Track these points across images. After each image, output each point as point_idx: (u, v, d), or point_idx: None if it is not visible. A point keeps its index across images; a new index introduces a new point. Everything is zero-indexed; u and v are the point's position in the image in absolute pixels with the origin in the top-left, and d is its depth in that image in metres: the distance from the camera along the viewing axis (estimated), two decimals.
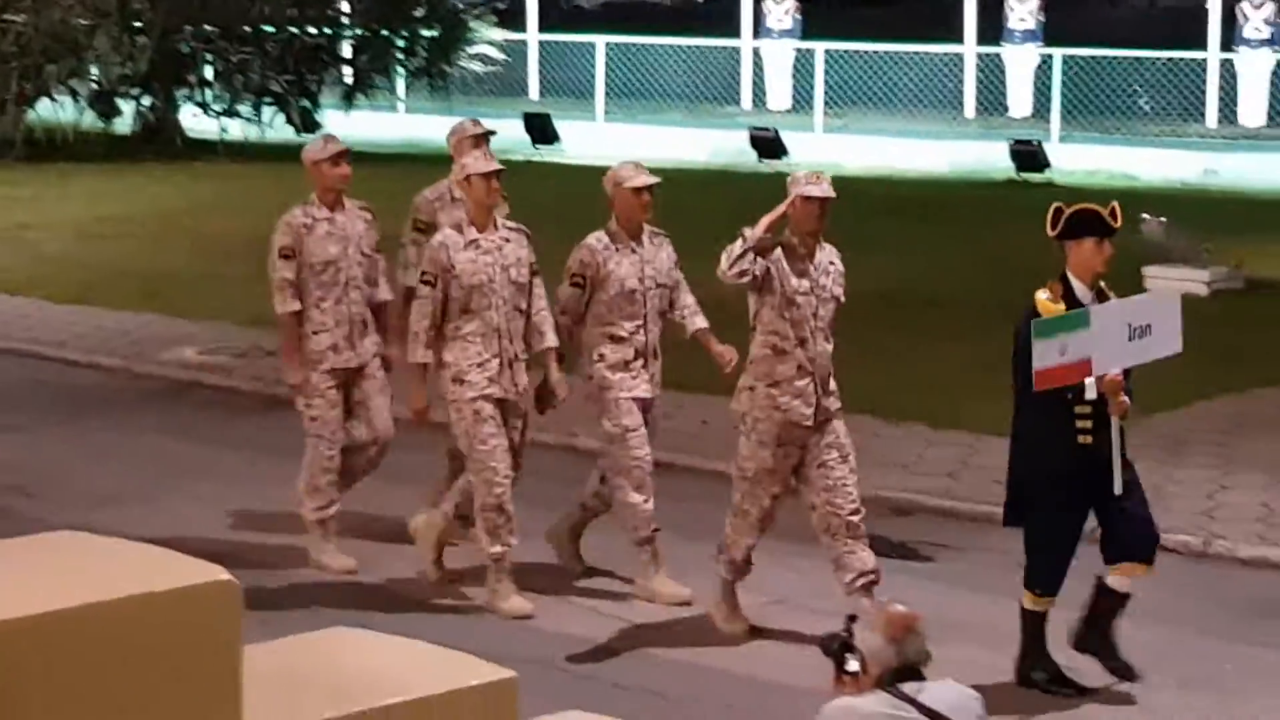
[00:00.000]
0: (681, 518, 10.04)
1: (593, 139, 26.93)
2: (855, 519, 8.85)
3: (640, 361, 9.41)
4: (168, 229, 20.47)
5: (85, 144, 25.79)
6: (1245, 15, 26.58)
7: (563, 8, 52.28)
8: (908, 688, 5.19)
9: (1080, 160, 24.43)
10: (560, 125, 27.29)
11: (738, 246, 8.60)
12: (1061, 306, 8.09)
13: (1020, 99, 27.26)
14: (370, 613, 9.04)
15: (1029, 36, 27.15)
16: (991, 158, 24.61)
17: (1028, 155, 24.25)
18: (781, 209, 8.75)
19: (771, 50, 28.49)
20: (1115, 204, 8.32)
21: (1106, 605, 8.27)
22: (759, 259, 8.61)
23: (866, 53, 26.88)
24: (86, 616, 3.92)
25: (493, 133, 10.53)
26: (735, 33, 29.11)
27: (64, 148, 25.64)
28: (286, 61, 26.79)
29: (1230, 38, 26.47)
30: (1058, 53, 25.78)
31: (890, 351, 14.45)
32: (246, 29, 26.58)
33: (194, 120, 27.09)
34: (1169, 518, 10.76)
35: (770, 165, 25.11)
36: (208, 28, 26.40)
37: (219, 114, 26.90)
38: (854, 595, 8.63)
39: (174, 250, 19.24)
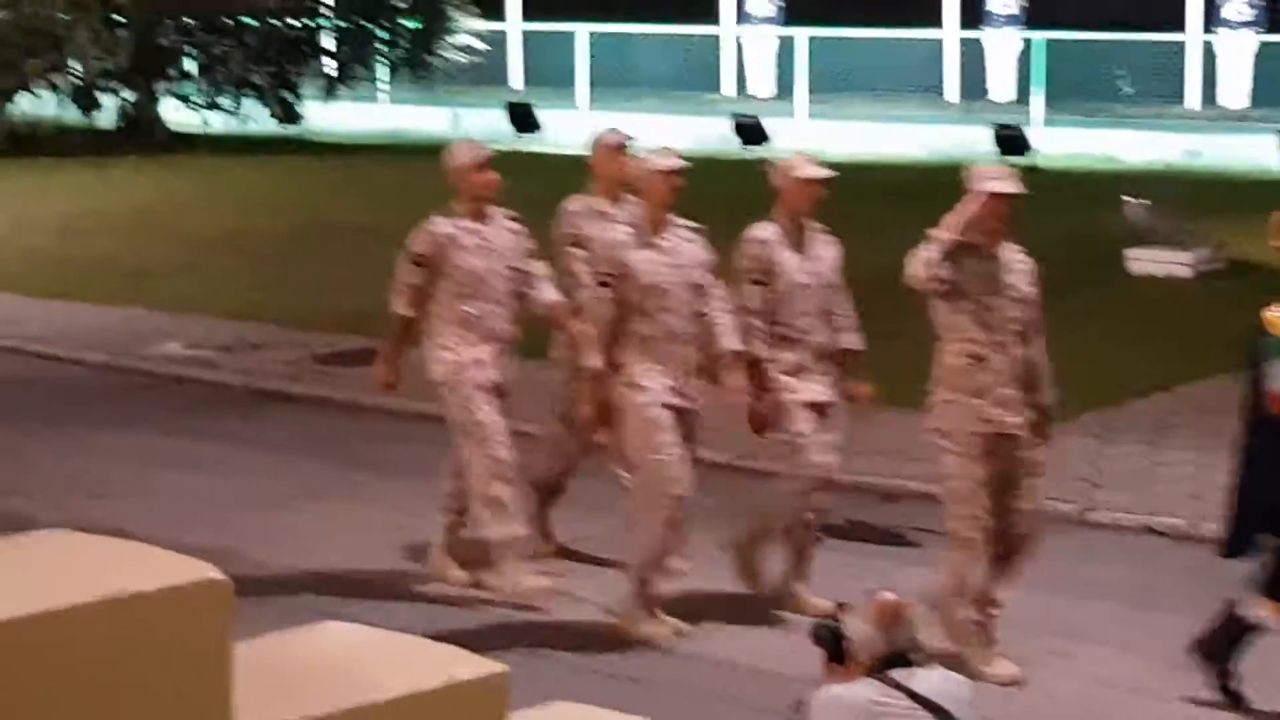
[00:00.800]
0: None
1: (575, 127, 26.89)
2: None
3: (814, 363, 9.02)
4: (150, 223, 20.44)
5: (66, 138, 25.74)
6: None
7: None
8: (897, 674, 5.21)
9: (1063, 144, 24.47)
10: (542, 114, 27.27)
11: (932, 251, 8.10)
12: None
13: (1002, 83, 27.29)
14: (361, 604, 9.04)
15: (1010, 21, 27.18)
16: (974, 142, 24.61)
17: (1010, 139, 24.26)
18: (972, 207, 8.19)
19: (753, 37, 28.48)
20: None
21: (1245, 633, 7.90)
22: (949, 263, 8.12)
23: (848, 38, 26.87)
24: (75, 617, 3.91)
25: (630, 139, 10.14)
26: (717, 19, 29.10)
27: (45, 142, 25.58)
28: (268, 53, 26.78)
29: (1211, 19, 26.51)
30: (1039, 36, 25.80)
31: (877, 335, 14.43)
32: (227, 21, 26.56)
33: (175, 113, 27.06)
34: (1154, 500, 10.80)
35: (752, 152, 25.10)
36: (188, 20, 26.36)
37: (200, 107, 26.86)
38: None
39: (157, 244, 19.21)
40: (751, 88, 28.40)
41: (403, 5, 27.63)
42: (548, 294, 9.34)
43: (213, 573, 4.19)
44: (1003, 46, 27.20)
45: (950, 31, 27.44)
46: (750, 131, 25.55)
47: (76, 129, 26.40)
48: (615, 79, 28.12)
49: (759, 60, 28.46)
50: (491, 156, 9.42)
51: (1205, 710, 7.95)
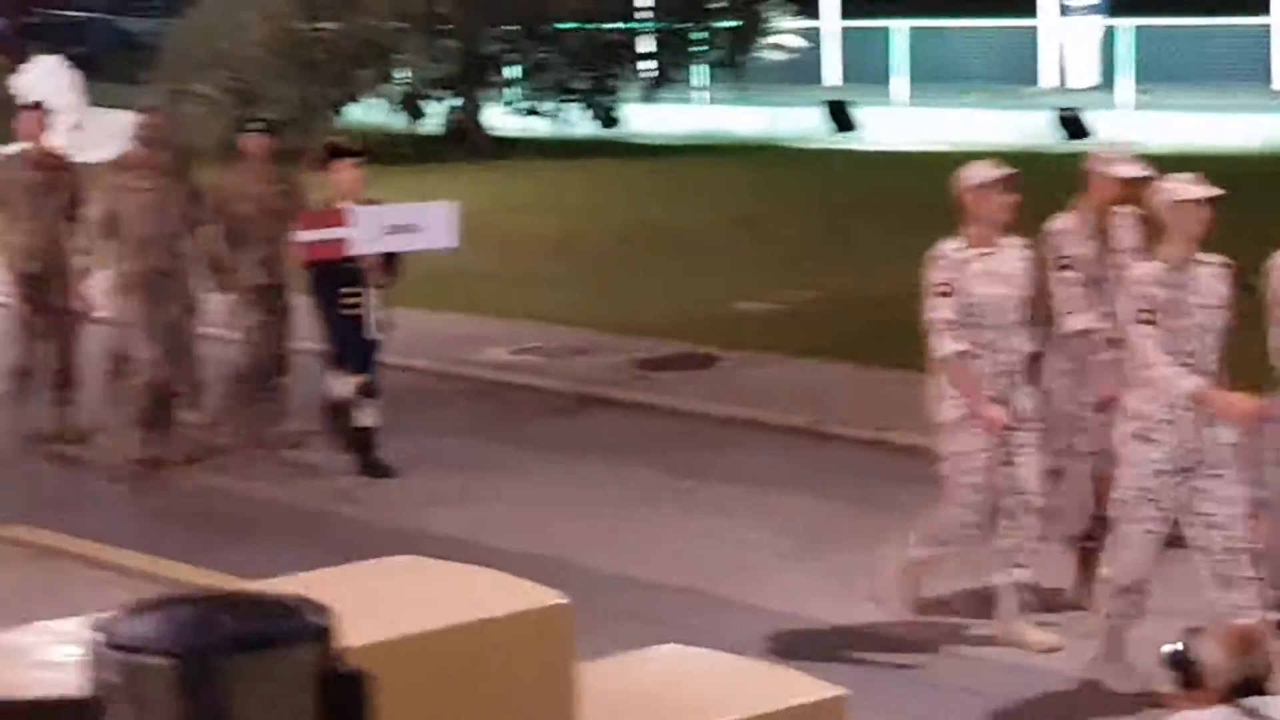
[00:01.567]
0: None
1: (893, 124, 26.80)
2: None
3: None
4: (476, 228, 20.68)
5: (394, 146, 26.36)
6: None
7: None
8: (1252, 702, 5.09)
9: None
10: (860, 111, 27.18)
11: None
12: None
13: None
14: (692, 616, 9.12)
15: None
16: None
17: None
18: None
19: (1075, 28, 28.02)
20: None
21: None
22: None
23: (1172, 27, 26.29)
24: (426, 642, 4.05)
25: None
26: (1035, 11, 28.69)
27: (374, 151, 26.21)
28: (588, 58, 27.10)
29: None
30: None
31: None
32: (548, 28, 26.94)
33: (499, 119, 27.56)
34: None
35: (1075, 146, 24.72)
36: (511, 28, 26.80)
37: (523, 113, 27.31)
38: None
39: (482, 250, 19.52)
40: (1072, 80, 27.95)
41: (719, 6, 27.75)
42: (1071, 323, 8.93)
43: (557, 598, 4.31)
44: None
45: (1278, 17, 26.68)
46: (1072, 125, 25.15)
47: (403, 136, 27.04)
48: (933, 74, 27.89)
49: (1080, 51, 27.99)
50: (1010, 176, 8.89)
51: None
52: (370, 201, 11.55)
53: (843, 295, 16.17)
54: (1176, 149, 23.69)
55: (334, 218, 11.25)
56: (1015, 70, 27.81)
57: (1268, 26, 26.65)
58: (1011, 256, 8.82)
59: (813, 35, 29.35)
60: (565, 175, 24.22)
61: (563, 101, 27.38)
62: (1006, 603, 8.68)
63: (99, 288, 12.27)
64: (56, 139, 28.20)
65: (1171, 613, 7.48)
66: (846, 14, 30.48)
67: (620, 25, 27.71)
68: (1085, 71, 27.93)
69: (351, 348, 11.60)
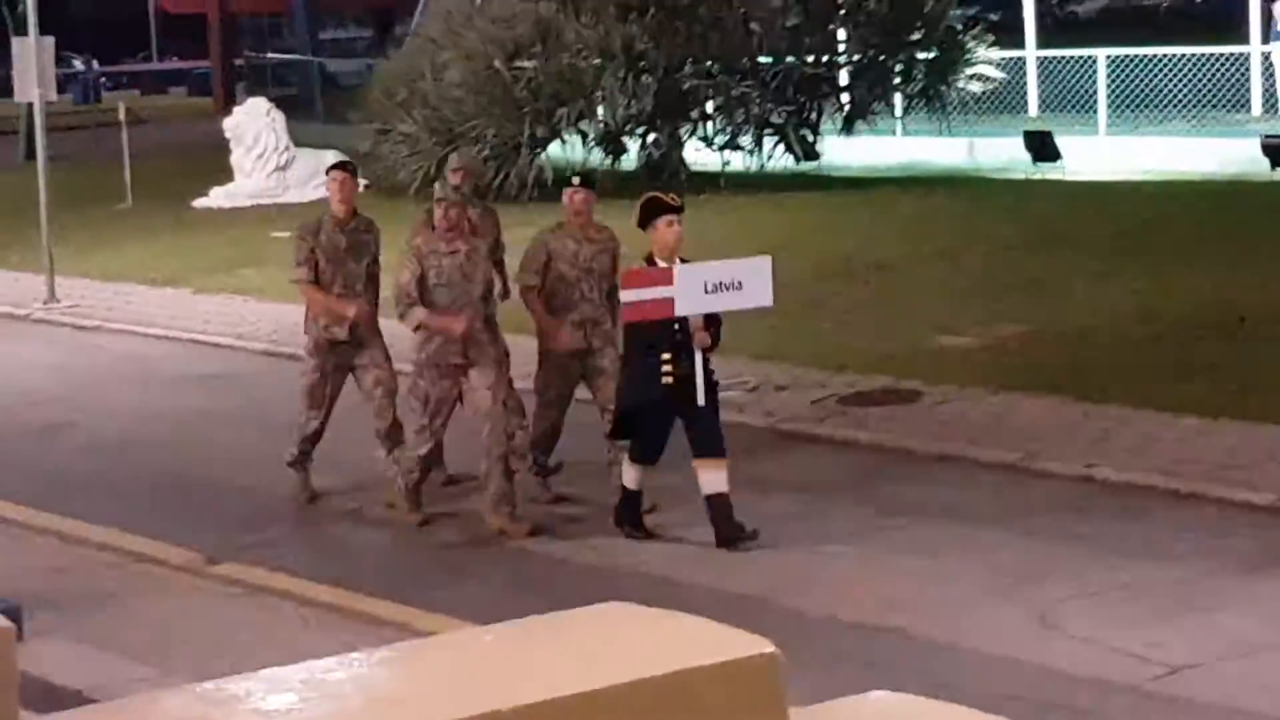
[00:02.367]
0: None
1: (1095, 154, 26.49)
2: None
3: None
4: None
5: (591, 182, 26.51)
6: None
7: (1057, 15, 51.66)
8: None
9: None
10: (1061, 141, 26.90)
11: None
12: None
13: None
14: (905, 659, 9.08)
15: None
16: None
17: None
18: None
19: None
20: None
21: None
22: None
23: None
24: (635, 692, 4.07)
25: None
26: (1241, 37, 28.22)
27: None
28: (786, 92, 27.09)
29: None
30: None
31: None
32: (746, 62, 26.98)
33: (696, 154, 27.63)
34: None
35: None
36: (709, 64, 26.87)
37: (721, 147, 27.36)
38: None
39: None
40: None
41: (918, 38, 27.62)
42: None
43: (767, 646, 4.32)
44: None
45: None
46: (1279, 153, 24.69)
47: (603, 173, 27.19)
48: (1135, 102, 27.54)
49: None
50: None
51: None
52: (684, 261, 10.97)
53: (1044, 328, 16.02)
54: None
55: (658, 276, 10.69)
56: (1221, 97, 27.35)
57: None
58: None
59: (1012, 65, 29.08)
60: (764, 210, 24.23)
61: (761, 136, 27.37)
62: None
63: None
64: (264, 179, 28.89)
65: None
66: (1047, 43, 30.19)
67: (820, 59, 27.63)
68: None
69: (652, 420, 10.98)
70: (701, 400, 10.83)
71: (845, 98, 27.97)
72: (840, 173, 27.19)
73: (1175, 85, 27.35)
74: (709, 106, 27.52)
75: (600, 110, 26.81)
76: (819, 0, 27.22)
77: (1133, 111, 27.43)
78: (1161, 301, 16.61)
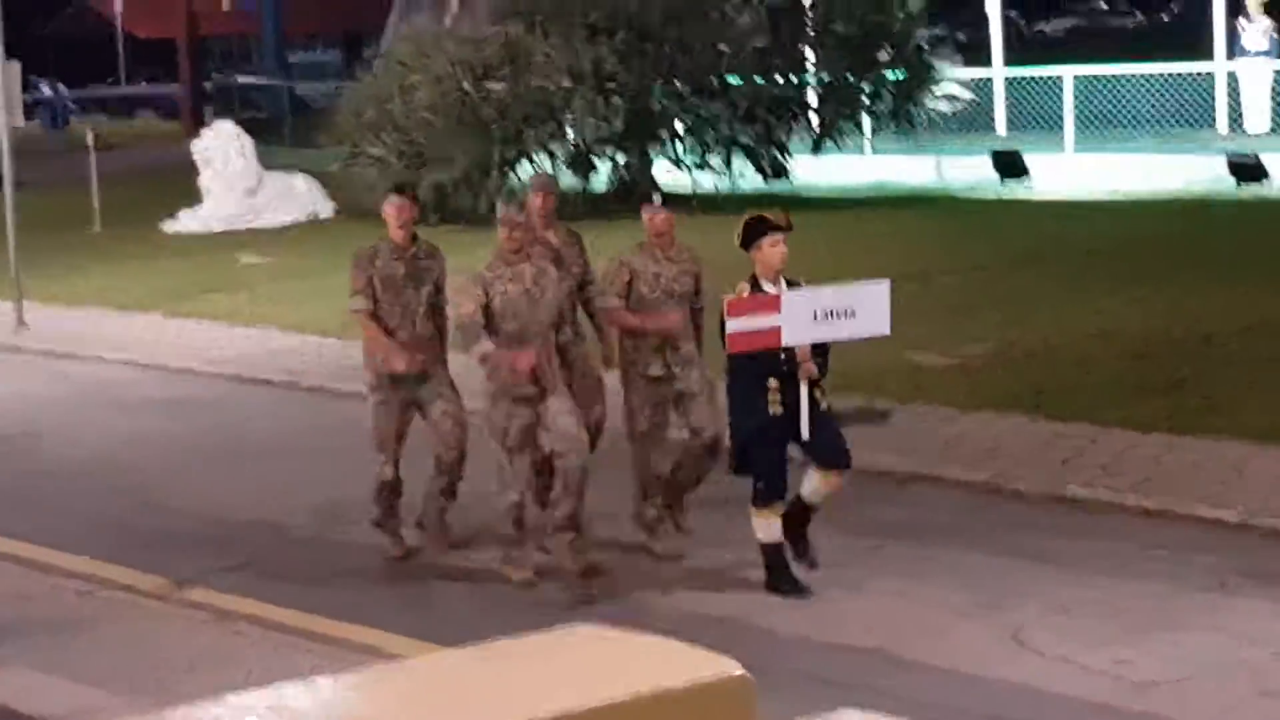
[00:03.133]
0: None
1: (1062, 172, 26.57)
2: None
3: None
4: None
5: (565, 204, 26.47)
6: None
7: (1024, 34, 51.79)
8: None
9: None
10: (1029, 158, 26.99)
11: None
12: None
13: None
14: (877, 685, 9.07)
15: None
16: None
17: None
18: None
19: (1247, 71, 27.64)
20: None
21: None
22: None
23: None
24: (606, 714, 4.06)
25: None
26: (1207, 54, 28.34)
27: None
28: (755, 112, 27.14)
29: None
30: None
31: None
32: (715, 83, 27.02)
33: (666, 175, 27.65)
34: None
35: (1251, 191, 24.39)
36: (678, 84, 26.92)
37: (691, 168, 27.40)
38: None
39: None
40: (1247, 124, 27.55)
41: (886, 58, 27.69)
42: None
43: (736, 669, 4.31)
44: None
45: None
46: (1247, 169, 24.80)
47: (573, 195, 27.19)
48: (1102, 120, 27.63)
49: (1254, 95, 27.59)
50: None
51: None
52: (791, 283, 10.38)
53: (1014, 346, 16.05)
54: None
55: (765, 303, 10.08)
56: (1187, 115, 27.46)
57: None
58: None
59: (980, 84, 29.17)
60: (733, 229, 24.23)
61: (731, 156, 27.42)
62: None
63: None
64: (233, 203, 28.78)
65: None
66: (1014, 61, 30.30)
67: (789, 79, 27.70)
68: (1259, 116, 27.52)
69: (768, 455, 10.33)
70: (806, 435, 10.25)
71: (814, 118, 28.03)
72: (810, 192, 27.23)
73: (1142, 103, 27.45)
74: (679, 127, 27.56)
75: (570, 131, 26.84)
76: (787, 22, 27.27)
77: (1100, 130, 27.53)
78: (1130, 319, 16.66)
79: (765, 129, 27.43)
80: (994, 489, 12.28)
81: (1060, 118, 27.63)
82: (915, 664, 9.37)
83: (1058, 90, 27.85)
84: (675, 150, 27.65)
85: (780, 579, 10.37)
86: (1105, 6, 67.14)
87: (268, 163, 29.86)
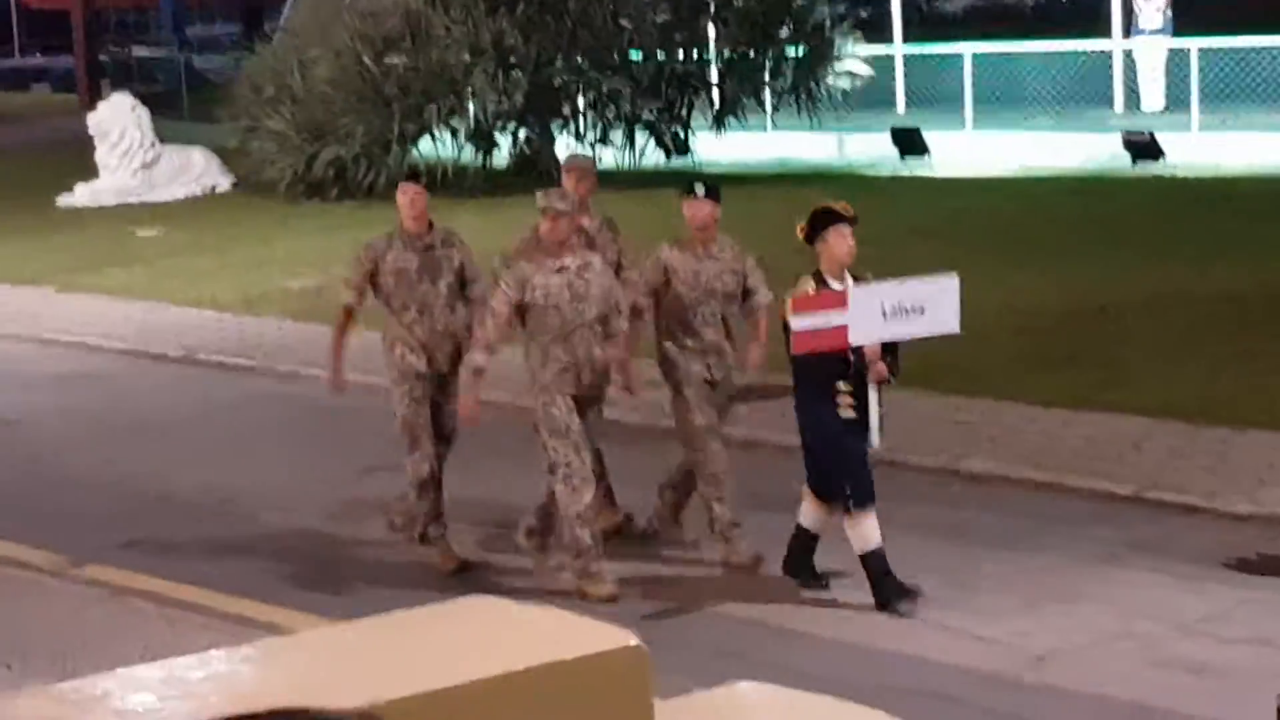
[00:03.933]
0: None
1: (962, 149, 26.72)
2: None
3: None
4: None
5: (465, 179, 26.47)
6: None
7: (922, 11, 52.02)
8: None
9: None
10: (929, 136, 27.12)
11: None
12: None
13: None
14: (767, 657, 9.11)
15: None
16: None
17: None
18: None
19: (1143, 50, 27.89)
20: None
21: None
22: None
23: (1242, 47, 26.12)
24: (503, 685, 4.06)
25: None
26: (1104, 33, 28.57)
27: (445, 184, 26.34)
28: (657, 88, 27.14)
29: None
30: None
31: (1277, 359, 14.05)
32: (617, 59, 27.00)
33: (568, 150, 27.60)
34: None
35: (1146, 168, 24.61)
36: (579, 59, 26.88)
37: (592, 143, 27.37)
38: None
39: None
40: (1143, 103, 27.80)
41: (787, 34, 27.75)
42: None
43: (631, 639, 4.32)
44: None
45: None
46: (1142, 148, 25.02)
47: (474, 170, 27.13)
48: (1001, 98, 27.80)
49: (1149, 74, 27.84)
50: None
51: None
52: (859, 278, 9.78)
53: None
54: (1248, 170, 23.59)
55: (832, 300, 9.45)
56: (1087, 93, 27.68)
57: None
58: None
59: (880, 61, 29.28)
60: (635, 204, 24.20)
61: (633, 131, 27.41)
62: None
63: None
64: (129, 176, 28.52)
65: None
66: (914, 39, 30.44)
67: (690, 56, 27.72)
68: (1154, 94, 27.77)
69: (850, 456, 9.65)
70: (875, 441, 9.61)
71: (716, 94, 28.06)
72: (712, 168, 27.24)
73: (1040, 81, 27.64)
74: (580, 102, 27.53)
75: (471, 106, 26.75)
76: None
77: (999, 107, 27.69)
78: (1028, 294, 16.78)
79: (667, 105, 27.44)
80: (890, 462, 12.33)
81: (960, 96, 27.78)
82: (812, 636, 9.43)
83: (957, 68, 28.00)
84: (577, 126, 27.61)
85: (888, 592, 9.64)
86: None
87: (165, 136, 29.58)
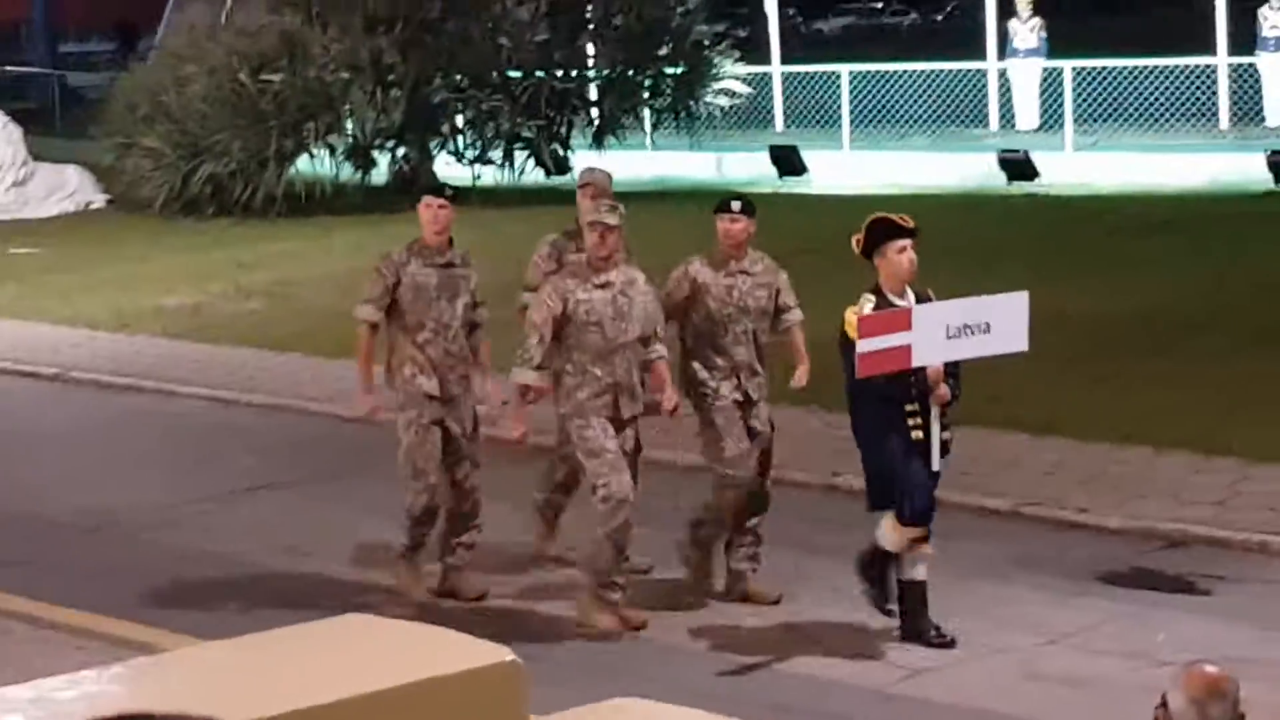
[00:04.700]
0: None
1: (839, 168, 26.91)
2: None
3: None
4: None
5: (343, 197, 26.36)
6: None
7: (802, 33, 52.40)
8: None
9: None
10: (807, 155, 27.29)
11: None
12: None
13: (1277, 107, 26.65)
14: (647, 672, 9.11)
15: None
16: (1249, 170, 24.09)
17: None
18: None
19: (1018, 70, 28.21)
20: None
21: None
22: None
23: (1115, 68, 26.48)
24: (379, 702, 4.04)
25: None
26: (980, 54, 28.88)
27: (323, 202, 26.23)
28: (536, 106, 27.14)
29: None
30: None
31: (1152, 376, 14.23)
32: (496, 77, 26.98)
33: (447, 169, 27.55)
34: None
35: (1021, 187, 24.88)
36: (458, 77, 26.85)
37: (472, 161, 27.34)
38: None
39: None
40: (1018, 122, 28.12)
41: (665, 53, 27.84)
42: None
43: (507, 654, 4.31)
44: (1276, 70, 26.55)
45: (1221, 57, 26.85)
46: (1017, 166, 25.30)
47: (353, 188, 27.03)
48: (879, 117, 28.03)
49: (1024, 94, 28.16)
50: None
51: None
52: (922, 296, 9.37)
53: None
54: (1119, 189, 23.90)
55: (897, 320, 8.97)
56: (961, 113, 27.96)
57: (1212, 67, 26.83)
58: None
59: (758, 80, 29.45)
60: (515, 223, 24.19)
61: (512, 149, 27.40)
62: None
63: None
64: (1, 194, 28.14)
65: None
66: (792, 59, 30.63)
67: (569, 74, 27.74)
68: (1029, 114, 28.10)
69: (913, 476, 9.19)
70: (937, 465, 9.15)
71: (595, 112, 28.10)
72: None
73: (916, 101, 27.89)
74: (459, 120, 27.49)
75: (349, 124, 26.65)
76: (567, 15, 27.32)
77: (876, 127, 27.92)
78: None
79: (547, 123, 27.44)
80: (775, 480, 12.38)
81: (838, 115, 27.98)
82: (689, 652, 9.43)
83: (835, 88, 28.21)
84: (456, 144, 27.58)
85: (874, 587, 9.42)
86: (880, 5, 68.07)
87: (38, 153, 29.28)
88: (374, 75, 26.06)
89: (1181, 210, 22.34)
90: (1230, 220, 21.12)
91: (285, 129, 26.03)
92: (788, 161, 27.16)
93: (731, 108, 28.55)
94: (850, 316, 9.02)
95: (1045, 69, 27.78)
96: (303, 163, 27.08)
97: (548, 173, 27.60)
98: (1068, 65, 26.50)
